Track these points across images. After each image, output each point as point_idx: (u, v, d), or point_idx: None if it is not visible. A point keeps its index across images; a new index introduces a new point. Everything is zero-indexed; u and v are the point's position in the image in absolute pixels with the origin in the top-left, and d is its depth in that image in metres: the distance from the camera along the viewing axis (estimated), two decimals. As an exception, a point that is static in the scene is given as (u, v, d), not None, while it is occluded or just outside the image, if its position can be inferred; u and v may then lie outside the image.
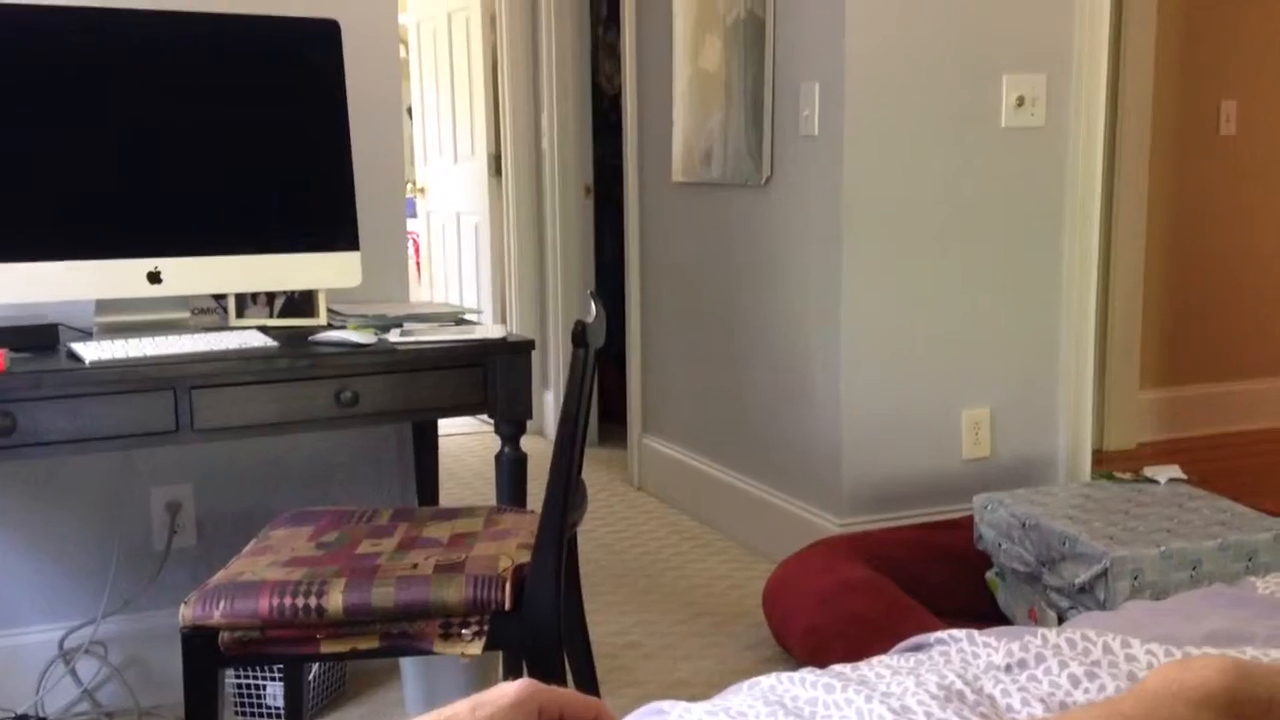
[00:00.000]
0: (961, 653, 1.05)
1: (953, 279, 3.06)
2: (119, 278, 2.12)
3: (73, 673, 2.43)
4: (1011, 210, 3.09)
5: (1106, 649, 1.01)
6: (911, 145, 2.97)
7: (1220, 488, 2.70)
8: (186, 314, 2.29)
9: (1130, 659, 1.00)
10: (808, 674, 1.02)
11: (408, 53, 5.48)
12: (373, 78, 2.57)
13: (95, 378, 1.90)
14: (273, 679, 2.37)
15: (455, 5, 4.90)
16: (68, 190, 2.08)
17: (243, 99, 2.19)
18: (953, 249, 3.04)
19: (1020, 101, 3.03)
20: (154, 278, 2.14)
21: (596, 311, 1.78)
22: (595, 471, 4.31)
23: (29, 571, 2.42)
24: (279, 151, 2.23)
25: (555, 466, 1.70)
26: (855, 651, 2.36)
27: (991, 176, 3.05)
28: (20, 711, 2.39)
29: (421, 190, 5.49)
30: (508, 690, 0.72)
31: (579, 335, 1.70)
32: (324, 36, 2.25)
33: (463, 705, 0.71)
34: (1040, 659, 0.99)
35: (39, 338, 2.06)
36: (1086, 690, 0.94)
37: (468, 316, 2.46)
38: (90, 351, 1.93)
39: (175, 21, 2.16)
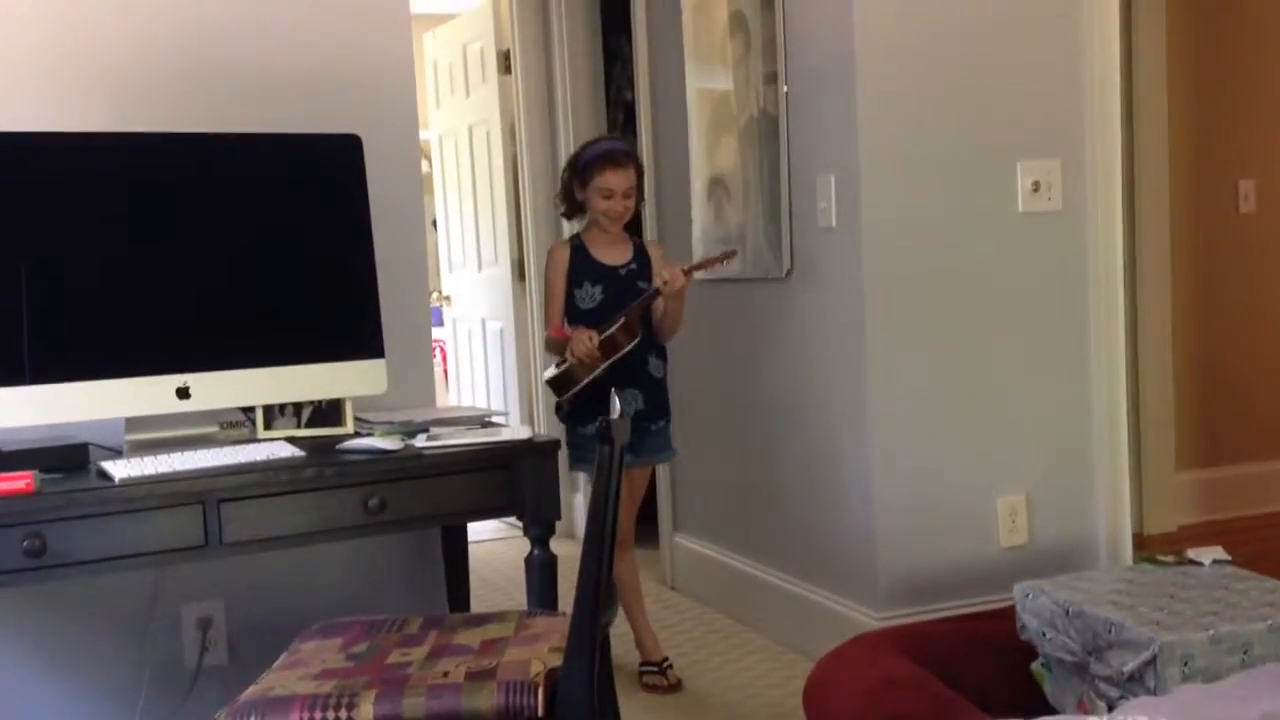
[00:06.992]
0: (1008, 744, 1.01)
1: (980, 365, 3.04)
2: (148, 395, 2.14)
3: (104, 797, 2.39)
4: (1035, 294, 3.08)
5: (1159, 736, 0.98)
6: (930, 233, 2.98)
7: (1265, 568, 2.63)
8: (215, 428, 2.30)
9: (1184, 745, 0.96)
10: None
11: (431, 166, 5.59)
12: (396, 190, 2.62)
13: (125, 495, 1.90)
14: (306, 797, 2.31)
15: (476, 118, 5.01)
16: (96, 311, 2.12)
17: (267, 213, 2.24)
18: (978, 335, 3.03)
19: (1036, 186, 3.05)
20: (183, 393, 2.16)
21: (620, 409, 1.78)
22: (628, 573, 4.24)
23: (60, 694, 2.40)
24: (304, 263, 2.26)
25: (584, 566, 1.68)
26: (900, 750, 2.28)
27: (1012, 261, 3.05)
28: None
29: (447, 299, 5.54)
30: None
31: (604, 432, 1.69)
32: (346, 151, 2.30)
33: None
34: (1090, 748, 0.96)
35: (69, 458, 2.07)
36: (1140, 779, 0.91)
37: (493, 419, 2.46)
38: (120, 469, 1.94)
39: (199, 143, 2.21)
